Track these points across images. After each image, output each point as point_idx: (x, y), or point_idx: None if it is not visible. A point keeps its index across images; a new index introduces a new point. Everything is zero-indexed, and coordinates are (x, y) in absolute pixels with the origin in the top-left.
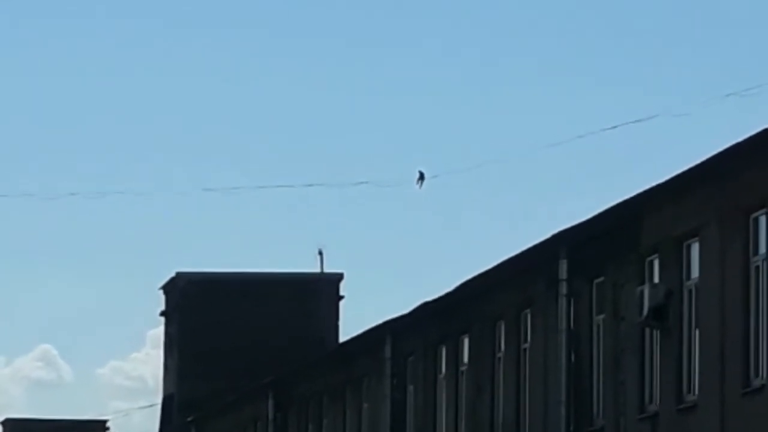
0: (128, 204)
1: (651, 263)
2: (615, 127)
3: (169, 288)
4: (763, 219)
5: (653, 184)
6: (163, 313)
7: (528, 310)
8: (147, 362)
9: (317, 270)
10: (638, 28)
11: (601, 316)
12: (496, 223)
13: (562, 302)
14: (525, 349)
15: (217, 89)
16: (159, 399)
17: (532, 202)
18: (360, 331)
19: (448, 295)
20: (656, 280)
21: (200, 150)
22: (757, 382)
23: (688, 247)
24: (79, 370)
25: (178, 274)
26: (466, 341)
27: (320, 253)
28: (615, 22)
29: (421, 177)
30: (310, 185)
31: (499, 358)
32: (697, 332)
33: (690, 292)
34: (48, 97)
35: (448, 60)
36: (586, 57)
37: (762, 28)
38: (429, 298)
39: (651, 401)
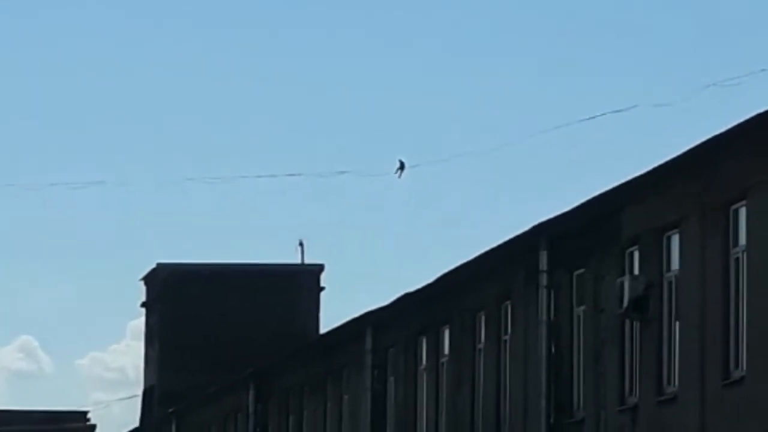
0: (109, 194)
1: (631, 255)
2: (595, 117)
3: (149, 279)
4: (743, 211)
5: (634, 175)
6: (143, 305)
7: (508, 302)
8: (127, 353)
9: (298, 261)
10: (618, 18)
11: (582, 308)
12: (476, 214)
13: (543, 294)
14: (505, 341)
15: (197, 80)
16: (139, 390)
17: (512, 193)
18: (341, 322)
19: (428, 286)
20: (636, 271)
21: (181, 140)
22: (737, 374)
23: (669, 238)
24: (59, 361)
25: (159, 265)
26: (447, 333)
27: (301, 245)
28: (595, 13)
29: (401, 167)
30: (291, 175)
31: (480, 350)
32: (678, 324)
33: (670, 283)
34: (30, 91)
35: (427, 50)
36: (566, 47)
37: (742, 19)
38: (410, 290)
39: (631, 393)
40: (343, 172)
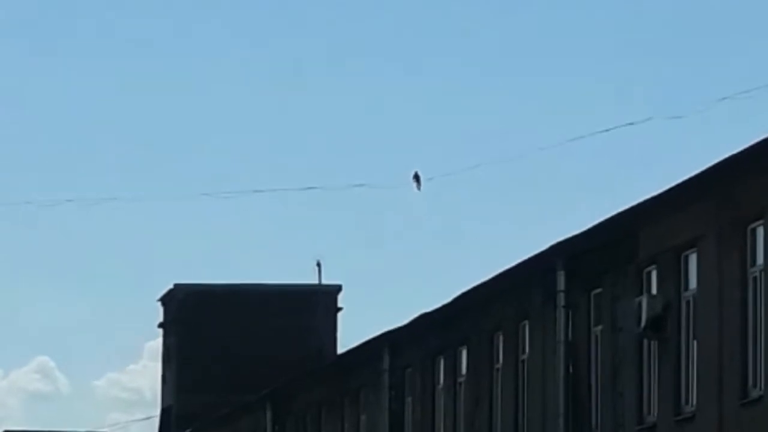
0: (124, 211)
1: (649, 274)
2: (609, 129)
3: (167, 300)
4: (760, 230)
5: (650, 194)
6: (161, 325)
7: (526, 322)
8: (144, 374)
9: (315, 281)
10: (632, 30)
11: (599, 328)
12: (493, 231)
13: (560, 314)
14: (523, 361)
15: (210, 95)
16: (157, 411)
17: (528, 206)
18: (358, 342)
19: (446, 306)
20: (654, 291)
21: (196, 156)
22: (755, 393)
23: (686, 258)
24: (76, 382)
25: (176, 286)
26: (464, 353)
27: (318, 265)
28: (609, 25)
29: (417, 179)
30: (306, 189)
31: (498, 370)
32: (695, 343)
33: (688, 303)
34: (43, 105)
35: (443, 62)
36: (580, 61)
37: (756, 32)
38: (427, 310)
39: (649, 412)
40: (358, 185)
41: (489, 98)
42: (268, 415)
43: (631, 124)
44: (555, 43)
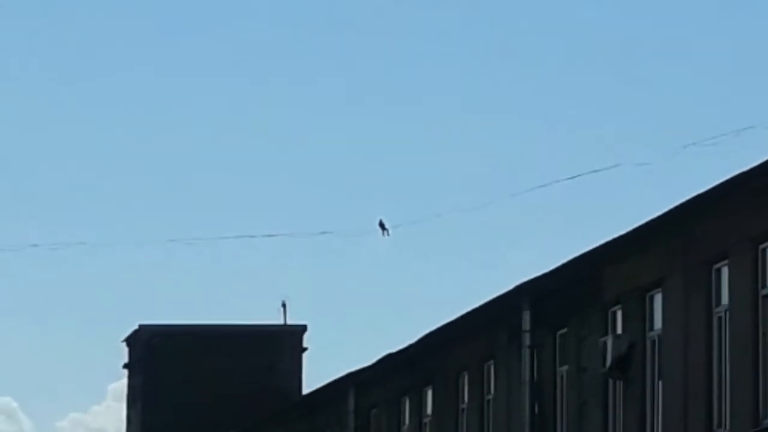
0: (90, 255)
1: (614, 314)
2: (576, 176)
3: (132, 340)
4: (725, 270)
5: (616, 235)
6: (126, 366)
7: (491, 362)
8: (108, 415)
9: (281, 322)
10: (598, 77)
11: (565, 368)
12: (458, 274)
13: (526, 354)
14: (488, 401)
15: (176, 141)
16: None
17: (494, 253)
18: (323, 383)
19: (411, 347)
20: (619, 331)
21: (162, 200)
22: None
23: (651, 298)
24: (39, 423)
25: (141, 327)
26: (430, 393)
27: (283, 305)
28: (573, 71)
29: (382, 226)
30: (270, 236)
31: (463, 410)
32: (661, 383)
33: (653, 342)
34: (7, 150)
35: (407, 108)
36: (546, 105)
37: (722, 79)
38: (392, 350)
39: None
40: (324, 233)
41: (456, 146)
42: None
43: (597, 171)
44: (522, 91)
